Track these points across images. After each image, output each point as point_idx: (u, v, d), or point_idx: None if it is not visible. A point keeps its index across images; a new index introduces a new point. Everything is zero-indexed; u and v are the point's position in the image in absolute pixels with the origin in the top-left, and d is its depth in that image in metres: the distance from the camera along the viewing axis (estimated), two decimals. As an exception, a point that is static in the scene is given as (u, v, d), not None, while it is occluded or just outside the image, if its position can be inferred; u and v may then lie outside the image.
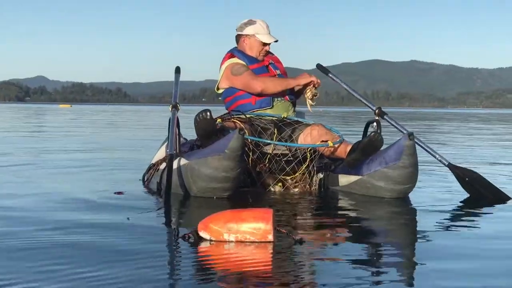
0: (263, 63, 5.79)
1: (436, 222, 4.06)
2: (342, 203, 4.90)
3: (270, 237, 3.29)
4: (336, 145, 5.32)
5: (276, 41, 5.80)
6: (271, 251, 3.17)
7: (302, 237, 3.38)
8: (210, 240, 3.33)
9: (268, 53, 5.85)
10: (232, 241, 3.31)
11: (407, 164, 4.79)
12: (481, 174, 5.29)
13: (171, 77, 6.13)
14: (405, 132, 5.16)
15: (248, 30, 5.77)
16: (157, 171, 5.43)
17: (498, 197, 5.06)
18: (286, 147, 5.32)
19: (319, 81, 5.59)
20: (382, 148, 5.13)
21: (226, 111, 5.67)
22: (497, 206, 4.75)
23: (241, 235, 3.30)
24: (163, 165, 5.29)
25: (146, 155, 7.38)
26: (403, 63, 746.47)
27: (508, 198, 5.01)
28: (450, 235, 3.72)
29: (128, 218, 3.95)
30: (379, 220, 4.30)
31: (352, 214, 4.49)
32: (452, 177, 5.36)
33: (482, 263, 2.99)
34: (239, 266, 2.90)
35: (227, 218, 3.36)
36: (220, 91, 5.80)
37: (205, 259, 3.09)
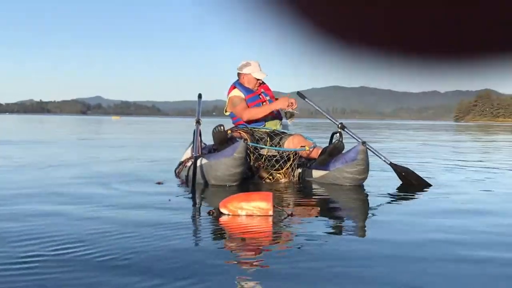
0: (257, 92, 5.85)
1: (382, 202, 4.17)
2: (317, 189, 4.94)
3: (271, 212, 3.39)
4: (311, 149, 5.46)
5: (266, 75, 5.86)
6: (271, 222, 3.27)
7: (292, 212, 3.50)
8: (228, 214, 3.42)
9: (261, 83, 5.92)
10: (243, 215, 3.39)
11: (361, 162, 4.89)
12: (410, 168, 5.38)
13: (193, 97, 6.27)
14: (359, 140, 5.26)
15: (246, 70, 5.84)
16: (185, 167, 5.47)
17: (422, 183, 5.14)
18: (276, 150, 5.43)
19: (292, 101, 5.52)
20: (343, 151, 5.21)
21: (233, 125, 5.78)
22: (422, 191, 4.83)
23: (250, 211, 3.40)
24: (190, 163, 5.39)
25: (173, 154, 7.45)
26: (355, 88, 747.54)
27: (429, 185, 5.09)
28: (391, 210, 3.84)
29: (169, 200, 4.01)
30: (343, 200, 4.39)
31: (325, 196, 4.56)
32: (392, 172, 5.45)
33: (413, 225, 3.17)
34: (249, 232, 2.98)
35: (240, 199, 3.46)
36: (228, 113, 5.89)
37: (226, 227, 3.16)
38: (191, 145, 6.03)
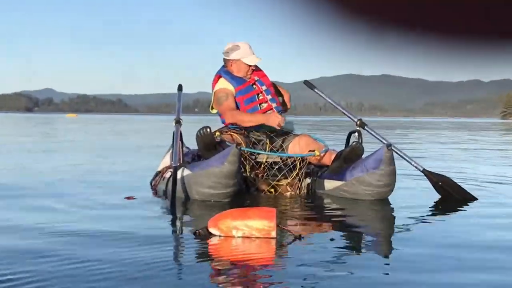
0: (249, 82, 5.81)
1: (412, 222, 4.15)
2: (330, 204, 4.97)
3: (273, 234, 3.36)
4: (322, 154, 5.44)
5: (260, 59, 5.83)
6: (274, 246, 3.25)
7: (301, 234, 3.46)
8: (220, 236, 3.40)
9: (254, 70, 5.87)
10: (239, 237, 3.38)
11: (385, 172, 4.88)
12: (450, 177, 5.38)
13: (167, 89, 6.27)
14: (384, 142, 5.25)
15: (233, 55, 5.79)
16: (163, 179, 5.47)
17: (466, 197, 5.14)
18: (277, 156, 5.43)
19: (281, 124, 5.45)
20: (363, 156, 5.21)
21: (222, 125, 5.75)
22: (465, 205, 4.85)
23: (248, 232, 3.38)
24: (169, 174, 5.38)
25: (147, 161, 7.42)
26: (375, 77, 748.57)
27: (474, 198, 5.10)
28: (425, 234, 3.77)
29: (143, 220, 4.00)
30: (363, 218, 4.40)
31: (340, 213, 4.58)
32: (426, 181, 5.44)
33: (451, 251, 3.16)
34: (246, 259, 2.97)
35: (235, 216, 3.43)
36: (214, 111, 5.88)
37: (217, 252, 3.16)
38: (170, 151, 6.03)
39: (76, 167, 7.86)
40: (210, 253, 3.13)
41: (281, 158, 5.42)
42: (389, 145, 4.91)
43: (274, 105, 5.79)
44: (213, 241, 3.34)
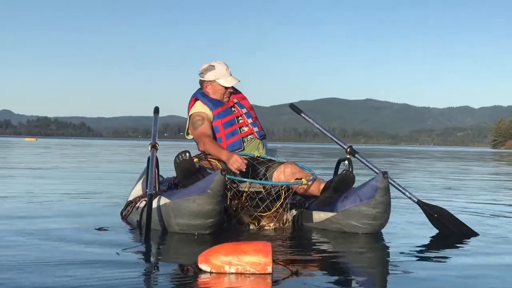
0: (228, 104, 5.78)
1: (407, 256, 4.15)
2: (323, 237, 4.94)
3: (269, 269, 3.33)
4: (309, 183, 5.35)
5: (239, 81, 5.78)
6: (270, 282, 3.23)
7: (298, 270, 3.45)
8: (211, 272, 3.35)
9: (232, 92, 5.83)
10: (232, 273, 3.33)
11: (381, 202, 4.85)
12: (447, 209, 5.37)
13: (134, 112, 6.21)
14: (377, 171, 5.23)
15: (209, 76, 5.74)
16: (136, 208, 5.37)
17: (464, 231, 5.13)
18: (260, 185, 5.28)
19: (241, 169, 5.18)
20: (354, 186, 5.18)
21: (199, 151, 5.65)
22: (464, 240, 4.84)
23: (242, 267, 3.34)
24: (142, 203, 5.29)
25: (115, 187, 7.35)
26: (358, 101, 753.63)
27: (473, 233, 5.09)
28: (421, 267, 3.79)
29: (117, 253, 3.93)
30: (358, 252, 4.36)
31: (334, 247, 4.56)
32: (421, 213, 5.44)
33: None
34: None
35: (228, 251, 3.38)
36: (190, 136, 5.82)
37: None
38: (142, 178, 5.95)
39: (36, 194, 7.75)
40: None
41: (264, 187, 5.26)
42: (385, 173, 4.86)
43: (255, 129, 5.76)
44: (203, 278, 3.28)
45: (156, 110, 6.04)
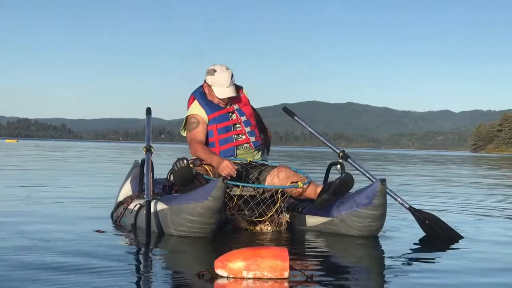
0: (227, 110, 5.66)
1: (405, 258, 4.34)
2: (320, 240, 5.02)
3: (286, 274, 3.38)
4: (305, 186, 5.34)
5: (234, 95, 5.61)
6: (287, 287, 3.29)
7: (313, 274, 3.53)
8: (228, 277, 3.38)
9: (236, 96, 5.66)
10: (249, 278, 3.37)
11: (378, 208, 4.94)
12: (437, 216, 5.49)
13: (114, 114, 6.14)
14: (369, 175, 5.37)
15: (208, 79, 5.61)
16: (130, 212, 5.36)
17: (452, 236, 5.26)
18: (253, 189, 5.30)
19: (232, 174, 5.13)
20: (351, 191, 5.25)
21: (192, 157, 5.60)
22: (451, 246, 4.96)
23: (260, 272, 3.36)
24: (133, 205, 5.35)
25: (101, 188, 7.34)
26: (339, 104, 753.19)
27: (460, 237, 5.23)
28: (418, 269, 3.97)
29: (124, 259, 3.98)
30: (362, 255, 4.51)
31: (335, 252, 4.67)
32: (410, 218, 5.61)
33: None
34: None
35: (246, 256, 3.40)
36: (185, 134, 5.74)
37: None
38: (130, 178, 6.00)
39: (29, 196, 7.75)
40: None
41: (257, 192, 5.29)
42: (383, 181, 4.94)
43: (252, 138, 5.67)
44: (220, 282, 3.31)
45: (148, 111, 5.96)
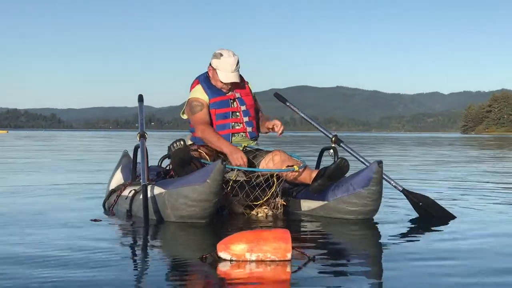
0: (228, 96, 5.62)
1: (401, 239, 4.44)
2: (318, 223, 5.07)
3: (289, 256, 3.42)
4: (300, 170, 5.38)
5: (237, 81, 5.59)
6: (289, 269, 3.33)
7: (314, 255, 3.60)
8: (230, 260, 3.40)
9: (237, 84, 5.65)
10: (252, 261, 3.40)
11: (375, 191, 4.98)
12: (431, 197, 5.57)
13: (104, 103, 6.13)
14: (362, 159, 5.47)
15: (213, 62, 5.58)
16: (125, 198, 5.34)
17: (445, 216, 5.33)
18: (246, 175, 5.32)
19: (244, 166, 5.24)
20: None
21: (191, 134, 5.67)
22: (443, 223, 5.09)
23: (263, 254, 3.40)
24: (128, 191, 5.36)
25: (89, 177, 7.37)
26: (329, 88, 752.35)
27: (453, 217, 5.31)
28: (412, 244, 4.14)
29: (126, 245, 4.02)
30: (363, 239, 4.60)
31: (336, 234, 4.73)
32: (403, 200, 5.71)
33: (436, 263, 3.55)
34: (264, 283, 3.10)
35: (249, 238, 3.44)
36: (185, 116, 5.75)
37: (232, 280, 3.15)
38: (120, 168, 6.05)
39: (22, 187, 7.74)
40: (227, 279, 3.15)
41: (250, 177, 5.31)
42: (380, 163, 4.96)
43: (249, 129, 5.65)
44: (224, 266, 3.35)
45: (141, 98, 5.99)
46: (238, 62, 5.58)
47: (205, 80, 5.68)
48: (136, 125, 5.77)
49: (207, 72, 5.72)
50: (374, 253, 4.00)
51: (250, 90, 5.84)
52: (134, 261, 3.57)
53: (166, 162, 5.59)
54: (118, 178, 5.94)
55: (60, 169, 11.96)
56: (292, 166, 5.37)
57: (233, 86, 5.66)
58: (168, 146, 5.06)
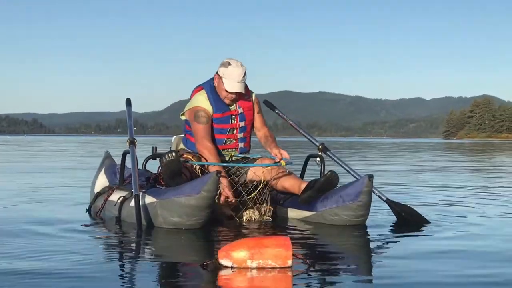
0: (231, 112, 5.64)
1: (394, 244, 4.58)
2: (312, 230, 5.07)
3: (290, 262, 3.44)
4: (286, 166, 5.46)
5: (241, 92, 5.58)
6: (291, 276, 3.36)
7: (314, 262, 3.66)
8: (232, 267, 3.41)
9: (242, 96, 5.66)
10: (253, 268, 3.41)
11: (364, 203, 5.07)
12: (410, 205, 5.68)
13: (86, 108, 5.94)
14: (348, 169, 5.62)
15: (220, 70, 5.56)
16: (114, 205, 5.29)
17: (421, 222, 5.42)
18: (237, 180, 5.41)
19: (232, 201, 5.28)
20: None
21: (183, 134, 5.76)
22: (419, 228, 5.20)
23: (264, 261, 3.41)
24: (116, 197, 5.32)
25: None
26: (311, 94, 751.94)
27: (427, 222, 5.42)
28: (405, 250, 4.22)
29: (124, 253, 4.02)
30: (355, 243, 4.70)
31: (332, 240, 4.77)
32: (383, 206, 5.84)
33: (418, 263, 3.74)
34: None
35: (250, 245, 3.44)
36: (184, 117, 5.76)
37: (233, 286, 3.20)
38: (103, 169, 6.01)
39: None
40: (228, 287, 3.17)
41: (236, 182, 5.39)
42: (371, 176, 5.05)
43: (241, 145, 5.73)
44: (225, 272, 3.36)
45: (128, 102, 5.90)
46: (245, 74, 5.58)
47: (212, 90, 5.66)
48: (119, 130, 5.81)
49: (212, 80, 5.71)
50: (373, 259, 4.04)
51: (253, 103, 5.86)
52: (134, 270, 3.57)
53: (150, 163, 5.59)
54: (102, 181, 5.92)
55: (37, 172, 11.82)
56: (279, 161, 5.45)
57: (237, 97, 5.66)
58: (160, 158, 5.07)
